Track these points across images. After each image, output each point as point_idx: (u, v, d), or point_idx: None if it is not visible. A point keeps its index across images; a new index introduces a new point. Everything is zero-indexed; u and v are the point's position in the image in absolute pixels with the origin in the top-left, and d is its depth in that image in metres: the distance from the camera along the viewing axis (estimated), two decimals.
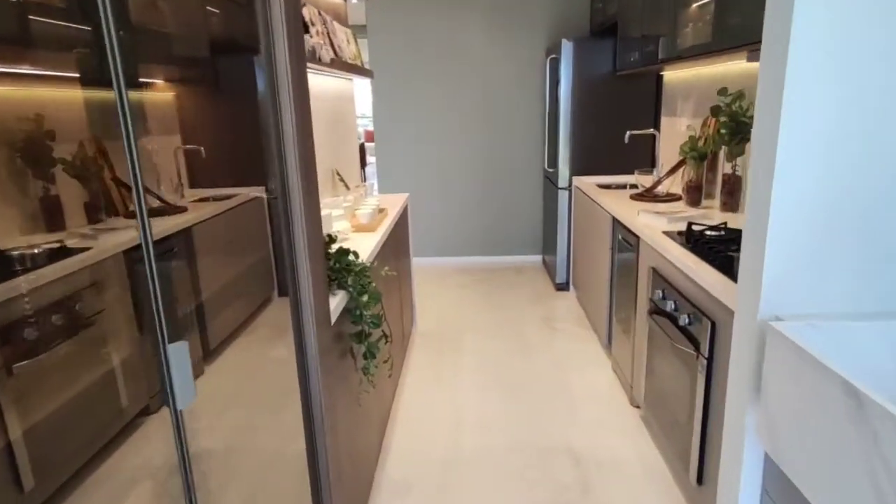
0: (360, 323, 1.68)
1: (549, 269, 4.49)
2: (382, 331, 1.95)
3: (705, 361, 1.67)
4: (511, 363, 3.08)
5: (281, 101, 1.17)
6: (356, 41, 3.04)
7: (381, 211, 2.72)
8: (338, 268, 1.64)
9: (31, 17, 0.68)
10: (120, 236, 0.80)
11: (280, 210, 1.24)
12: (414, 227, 4.94)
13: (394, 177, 4.85)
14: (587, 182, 3.72)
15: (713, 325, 1.63)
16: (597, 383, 2.84)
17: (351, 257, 1.81)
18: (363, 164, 9.47)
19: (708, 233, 2.06)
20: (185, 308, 0.95)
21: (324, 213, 2.00)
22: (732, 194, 2.47)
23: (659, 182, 3.01)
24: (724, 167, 2.49)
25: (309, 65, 2.07)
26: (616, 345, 2.85)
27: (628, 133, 3.47)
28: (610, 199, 3.02)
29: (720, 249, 1.83)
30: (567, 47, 3.73)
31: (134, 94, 0.79)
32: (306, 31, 2.25)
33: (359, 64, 2.88)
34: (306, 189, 1.26)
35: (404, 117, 4.72)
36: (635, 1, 3.24)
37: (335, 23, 2.69)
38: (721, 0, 2.07)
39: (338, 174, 2.70)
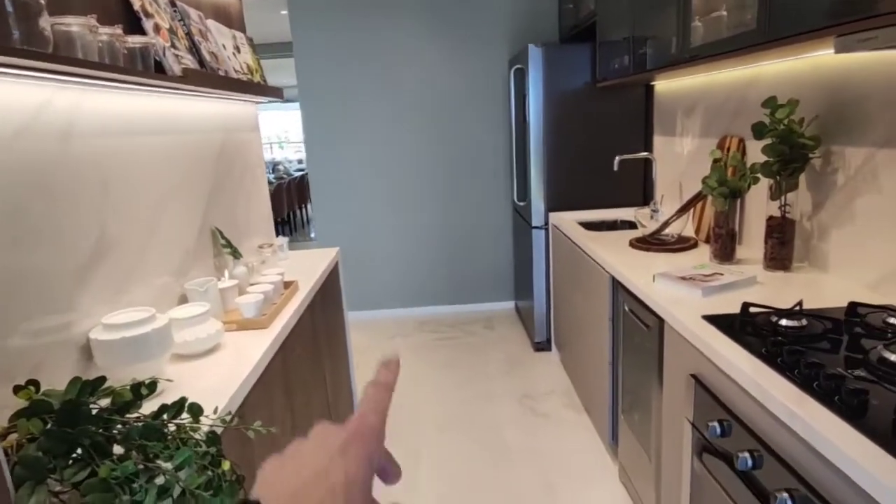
0: None
1: (525, 320, 3.71)
2: None
3: None
4: (485, 478, 2.26)
5: None
6: (254, 50, 2.24)
7: (287, 285, 1.90)
8: (123, 475, 0.80)
9: None
10: None
11: None
12: (362, 275, 4.11)
13: (334, 218, 4.03)
14: (567, 220, 2.97)
15: None
16: None
17: (184, 418, 0.98)
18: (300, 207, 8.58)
19: (783, 323, 1.30)
20: None
21: (150, 325, 1.17)
22: (784, 245, 1.74)
23: (666, 224, 2.28)
24: (768, 206, 1.77)
25: (138, 80, 1.26)
26: (625, 449, 2.08)
27: (618, 158, 2.75)
28: (602, 246, 2.27)
29: (828, 368, 1.07)
30: (535, 54, 3.01)
31: None
32: (136, 24, 1.44)
33: (254, 80, 2.08)
34: None
35: (343, 147, 3.92)
36: None
37: (210, 22, 1.89)
38: None
39: (221, 236, 1.87)
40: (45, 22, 0.99)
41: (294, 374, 1.69)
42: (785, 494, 0.99)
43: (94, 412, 0.85)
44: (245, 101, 2.29)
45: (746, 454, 1.12)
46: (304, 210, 9.08)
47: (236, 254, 1.86)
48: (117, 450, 0.87)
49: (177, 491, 0.86)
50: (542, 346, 3.40)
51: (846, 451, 0.87)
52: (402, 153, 3.94)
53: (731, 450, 1.20)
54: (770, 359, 1.17)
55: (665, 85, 2.86)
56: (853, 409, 0.96)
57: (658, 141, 2.98)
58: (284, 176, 8.43)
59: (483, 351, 3.47)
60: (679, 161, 2.72)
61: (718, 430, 1.24)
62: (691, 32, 1.89)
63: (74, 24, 1.08)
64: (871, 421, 0.93)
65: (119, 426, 0.88)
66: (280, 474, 0.33)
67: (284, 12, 4.95)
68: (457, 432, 2.59)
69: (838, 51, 1.20)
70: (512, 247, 4.11)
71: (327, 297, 2.26)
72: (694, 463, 1.38)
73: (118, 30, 1.22)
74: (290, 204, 7.95)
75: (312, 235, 7.85)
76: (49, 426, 0.79)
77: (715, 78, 2.30)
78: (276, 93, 2.28)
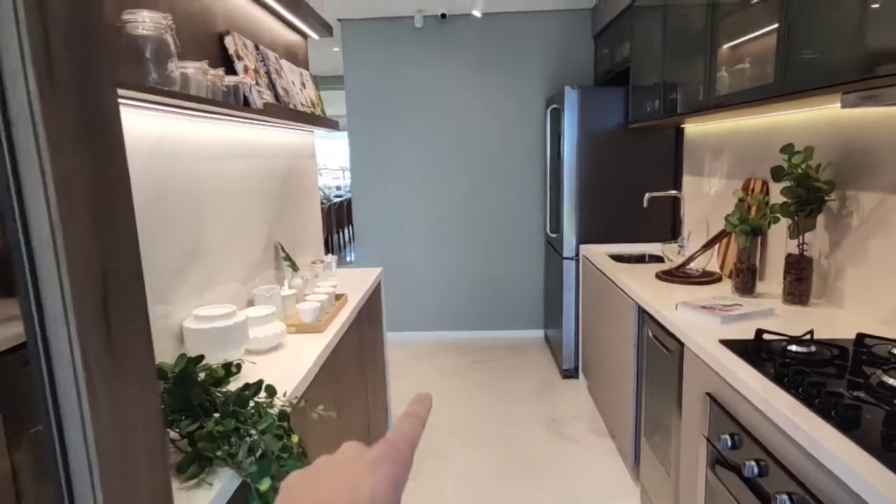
0: None
1: (554, 349, 3.82)
2: None
3: None
4: (510, 492, 2.37)
5: (19, 158, 0.56)
6: (316, 86, 2.50)
7: (338, 298, 2.09)
8: (225, 430, 0.98)
9: None
10: None
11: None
12: (399, 298, 4.30)
13: (374, 242, 4.25)
14: (597, 252, 3.12)
15: None
16: None
17: (262, 396, 1.17)
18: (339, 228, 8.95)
19: (793, 349, 1.42)
20: None
21: (232, 319, 1.37)
22: (801, 281, 1.86)
23: (691, 258, 2.41)
24: (787, 245, 1.89)
25: (229, 112, 1.49)
26: (647, 470, 2.17)
27: (647, 195, 2.90)
28: (630, 277, 2.40)
29: (828, 386, 1.20)
30: (571, 95, 3.22)
31: None
32: (230, 66, 1.69)
33: (316, 112, 2.33)
34: (92, 345, 0.63)
35: (386, 176, 4.17)
36: (651, 43, 2.74)
37: (283, 61, 2.14)
38: (795, 31, 1.52)
39: (282, 250, 2.09)
40: (173, 65, 1.23)
41: (342, 376, 1.86)
42: (785, 496, 1.11)
43: (199, 381, 1.04)
44: (306, 130, 2.54)
45: (753, 463, 1.24)
46: (341, 234, 9.40)
47: (295, 267, 2.07)
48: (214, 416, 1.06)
49: (259, 451, 1.04)
50: (569, 374, 3.50)
51: (840, 457, 0.99)
52: (442, 183, 4.17)
53: (739, 460, 1.32)
54: (778, 378, 1.29)
55: (694, 128, 3.02)
56: (848, 422, 1.08)
57: (687, 180, 3.12)
58: (324, 201, 8.79)
59: (513, 376, 3.59)
60: (706, 200, 2.85)
61: (730, 442, 1.35)
62: (717, 81, 2.06)
63: (191, 68, 1.32)
64: (863, 433, 1.05)
65: (217, 395, 1.06)
66: (304, 486, 0.33)
67: (336, 49, 5.31)
68: (484, 449, 2.71)
69: (844, 106, 1.35)
70: (543, 277, 4.25)
71: (371, 311, 2.45)
72: (708, 475, 1.49)
73: (221, 72, 1.46)
74: (329, 228, 8.27)
75: (349, 259, 8.11)
76: (167, 388, 0.98)
77: (740, 124, 2.45)
78: (333, 124, 2.52)
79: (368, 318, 2.39)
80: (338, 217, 8.79)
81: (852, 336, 1.49)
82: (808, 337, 1.46)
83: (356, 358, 2.10)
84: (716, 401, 1.48)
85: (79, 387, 0.61)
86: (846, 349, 1.40)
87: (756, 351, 1.47)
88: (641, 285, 2.26)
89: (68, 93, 0.58)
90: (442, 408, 3.16)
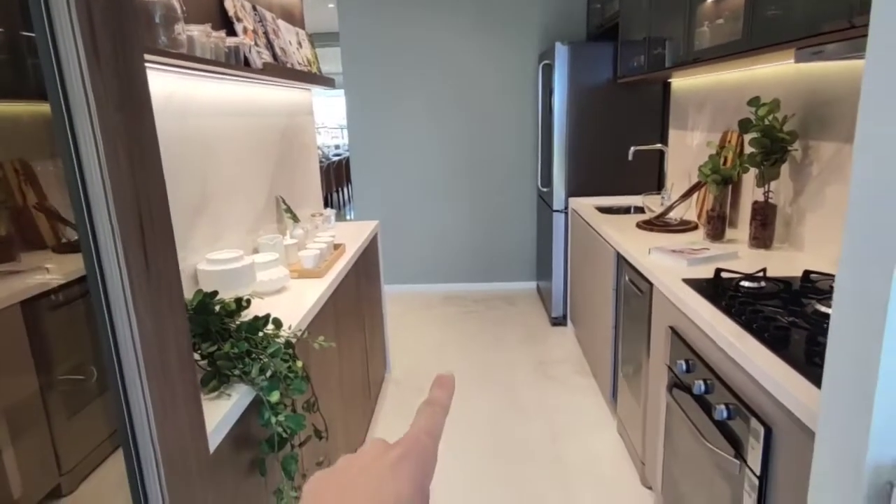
0: (270, 427, 1.20)
1: (544, 298, 4.01)
2: (313, 426, 1.47)
3: (755, 480, 1.19)
4: (499, 426, 2.59)
5: (74, 117, 0.69)
6: (312, 45, 2.58)
7: (336, 247, 2.24)
8: (239, 352, 1.15)
9: None
10: None
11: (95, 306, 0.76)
12: (397, 252, 4.47)
13: (372, 199, 4.39)
14: (585, 204, 3.25)
15: (768, 431, 1.16)
16: (600, 452, 2.35)
17: (270, 328, 1.33)
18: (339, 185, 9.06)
19: (744, 284, 1.58)
20: None
21: (241, 262, 1.53)
22: (765, 226, 2.00)
23: (670, 208, 2.55)
24: (755, 193, 2.03)
25: (231, 71, 1.61)
26: (622, 403, 2.37)
27: (632, 149, 3.02)
28: (612, 227, 2.55)
29: (765, 313, 1.36)
30: (561, 51, 3.28)
31: None
32: (230, 27, 1.79)
33: (313, 71, 2.43)
34: (136, 265, 0.78)
35: (383, 131, 4.26)
36: None
37: (280, 21, 2.23)
38: None
39: (283, 203, 2.23)
40: (180, 28, 1.35)
41: (341, 317, 2.04)
42: (722, 406, 1.29)
43: (215, 311, 1.21)
44: (303, 88, 2.64)
45: (701, 382, 1.42)
46: (340, 193, 9.51)
47: (295, 218, 2.21)
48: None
49: (269, 371, 1.21)
50: (558, 321, 3.69)
51: (766, 369, 1.16)
52: (437, 140, 4.26)
53: (691, 381, 1.50)
54: (727, 309, 1.46)
55: (680, 82, 3.10)
56: (778, 342, 1.25)
57: (673, 134, 3.23)
58: (323, 160, 8.85)
59: (504, 324, 3.78)
60: (689, 152, 2.96)
61: (684, 367, 1.53)
62: (696, 37, 2.14)
63: (196, 30, 1.43)
64: (790, 351, 1.22)
65: (231, 325, 1.23)
66: (328, 490, 0.32)
67: (332, 6, 5.30)
68: (476, 389, 2.92)
69: (797, 61, 1.46)
70: (536, 230, 4.40)
71: (368, 260, 2.61)
72: (668, 399, 1.68)
73: (222, 33, 1.57)
74: (329, 186, 8.37)
75: (349, 217, 8.25)
76: (189, 315, 1.14)
77: (722, 78, 2.55)
78: (329, 82, 2.62)
79: (366, 267, 2.56)
80: (337, 176, 8.87)
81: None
82: (760, 274, 1.62)
83: (354, 302, 2.28)
84: (676, 332, 1.65)
85: (126, 299, 0.77)
86: (791, 284, 1.56)
87: (713, 287, 1.63)
88: (622, 234, 2.41)
89: (108, 61, 0.71)
90: (436, 353, 3.37)
